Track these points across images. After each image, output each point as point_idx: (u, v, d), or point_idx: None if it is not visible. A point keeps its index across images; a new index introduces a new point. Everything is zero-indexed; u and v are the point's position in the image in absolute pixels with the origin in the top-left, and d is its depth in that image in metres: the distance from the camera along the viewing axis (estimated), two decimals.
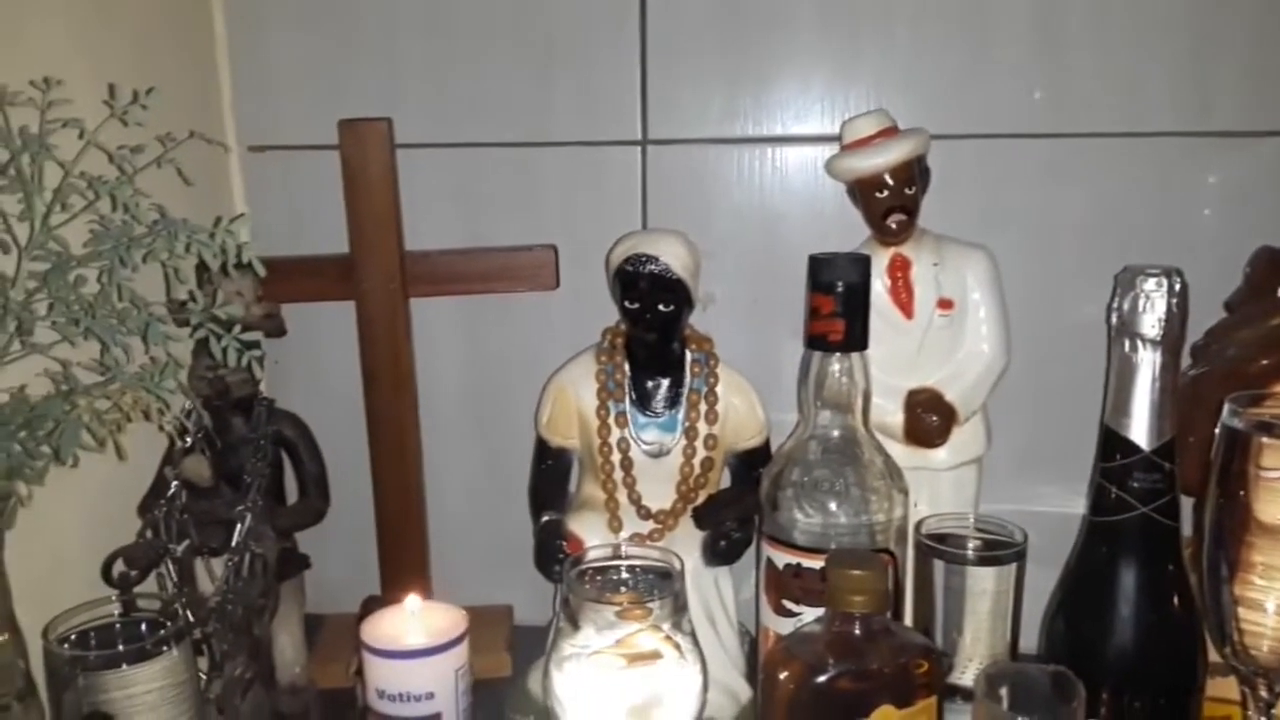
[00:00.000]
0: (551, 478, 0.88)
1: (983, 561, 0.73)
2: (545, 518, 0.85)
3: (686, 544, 0.81)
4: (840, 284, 0.71)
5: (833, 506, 0.72)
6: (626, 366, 0.84)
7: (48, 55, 0.70)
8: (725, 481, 0.87)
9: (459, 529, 1.01)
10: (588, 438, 0.85)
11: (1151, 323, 0.65)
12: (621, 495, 0.84)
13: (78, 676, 0.61)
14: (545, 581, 0.85)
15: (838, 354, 0.72)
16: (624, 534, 0.83)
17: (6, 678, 0.58)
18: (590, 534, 0.82)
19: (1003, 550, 0.74)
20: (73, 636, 0.65)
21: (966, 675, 0.73)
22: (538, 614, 0.97)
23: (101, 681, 0.62)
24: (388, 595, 0.90)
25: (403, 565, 0.93)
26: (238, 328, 0.61)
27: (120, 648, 0.64)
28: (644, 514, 0.83)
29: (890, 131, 0.83)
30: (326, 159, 0.91)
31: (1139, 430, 0.67)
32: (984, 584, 0.72)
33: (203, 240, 0.59)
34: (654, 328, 0.81)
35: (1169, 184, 0.90)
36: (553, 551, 0.82)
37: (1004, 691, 0.62)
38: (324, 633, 0.94)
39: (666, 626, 0.63)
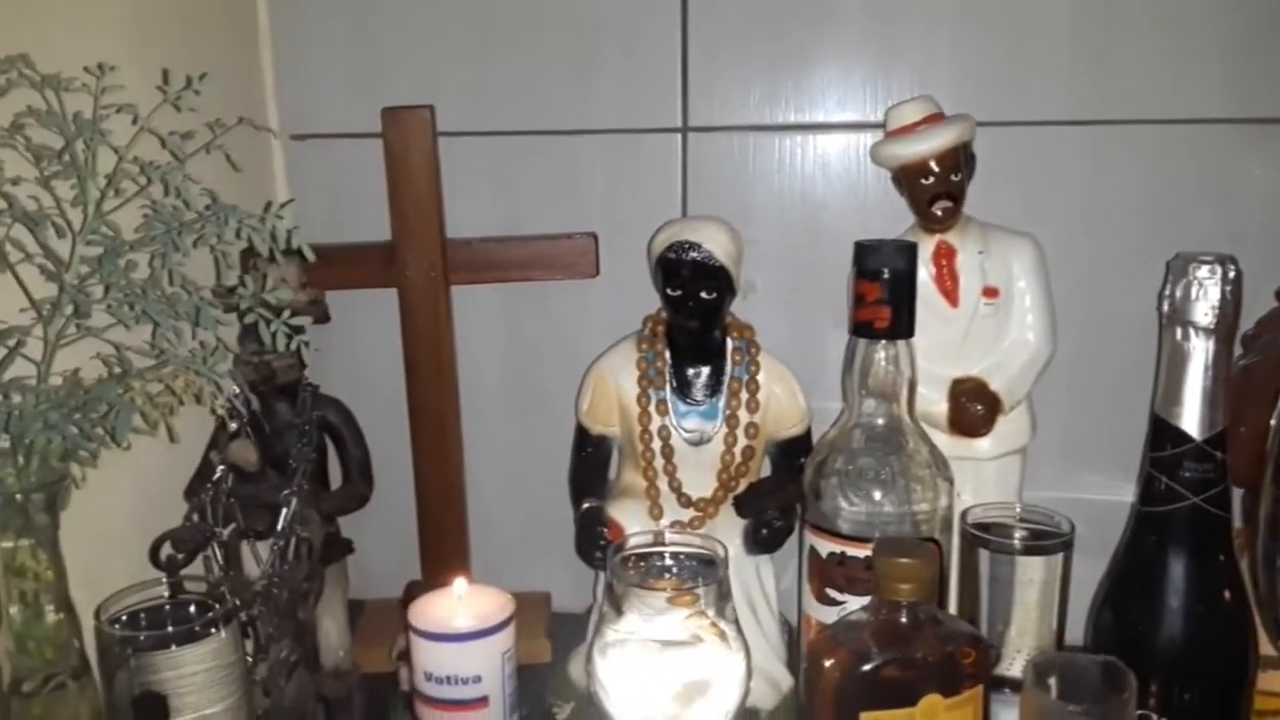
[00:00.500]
0: (592, 465, 0.88)
1: (1030, 551, 0.72)
2: (586, 505, 0.85)
3: (727, 532, 0.80)
4: (886, 271, 0.70)
5: (877, 495, 0.72)
6: (667, 354, 0.84)
7: (100, 42, 0.71)
8: (766, 470, 0.87)
9: (497, 515, 1.02)
10: (628, 425, 0.85)
11: (1205, 310, 0.64)
12: (662, 483, 0.84)
13: (129, 656, 0.62)
14: (583, 568, 0.85)
15: (883, 341, 0.71)
16: (664, 521, 0.83)
17: (63, 656, 0.59)
18: (631, 521, 0.82)
19: (1050, 540, 0.73)
20: (124, 617, 0.66)
21: (1013, 666, 0.72)
22: (575, 600, 0.97)
23: (152, 662, 0.62)
24: (429, 581, 0.90)
25: (443, 551, 0.94)
26: (287, 312, 0.61)
27: (170, 629, 0.65)
28: (685, 501, 0.83)
29: (936, 118, 0.82)
30: (368, 147, 0.92)
31: (1190, 419, 0.66)
32: (1031, 574, 0.72)
33: (253, 225, 0.60)
34: (696, 315, 0.81)
35: (1218, 171, 0.88)
36: (594, 538, 0.82)
37: (1052, 681, 0.61)
38: (365, 617, 0.95)
39: (711, 613, 0.63)
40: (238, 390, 0.58)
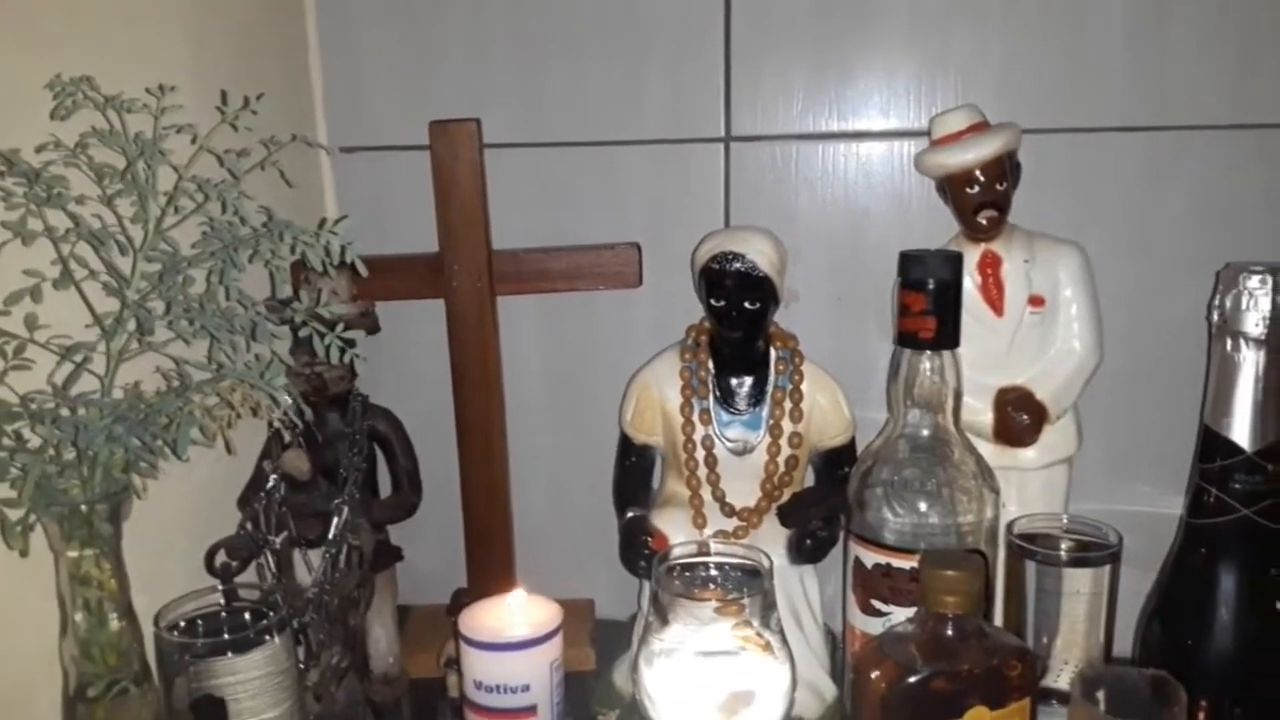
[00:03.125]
0: (635, 474, 0.89)
1: (1077, 563, 0.72)
2: (630, 514, 0.86)
3: (771, 541, 0.81)
4: (931, 281, 0.70)
5: (923, 506, 0.72)
6: (711, 364, 0.84)
7: (157, 63, 0.73)
8: (809, 479, 0.87)
9: (541, 522, 1.02)
10: (671, 435, 0.86)
11: (1255, 321, 0.64)
12: (706, 492, 0.84)
13: (188, 662, 0.64)
14: (626, 575, 0.86)
15: (928, 351, 0.72)
16: (708, 531, 0.83)
17: (125, 663, 0.60)
18: (674, 530, 0.83)
19: (1097, 551, 0.73)
20: (181, 624, 0.68)
21: (1060, 678, 0.72)
22: (619, 608, 0.98)
23: (209, 668, 0.64)
24: (474, 587, 0.92)
25: (488, 558, 0.94)
26: (340, 325, 0.62)
27: (226, 636, 0.67)
28: (728, 511, 0.84)
29: (981, 126, 0.82)
30: (414, 159, 0.93)
31: (1240, 431, 0.66)
32: (1078, 586, 0.71)
33: (308, 241, 0.61)
34: (740, 326, 0.81)
35: (1269, 179, 0.87)
36: (638, 547, 0.83)
37: (1101, 695, 0.61)
38: (412, 623, 0.96)
39: (756, 624, 0.63)
40: (293, 403, 0.59)
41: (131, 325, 0.58)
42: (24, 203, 0.57)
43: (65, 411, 0.56)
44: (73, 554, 0.58)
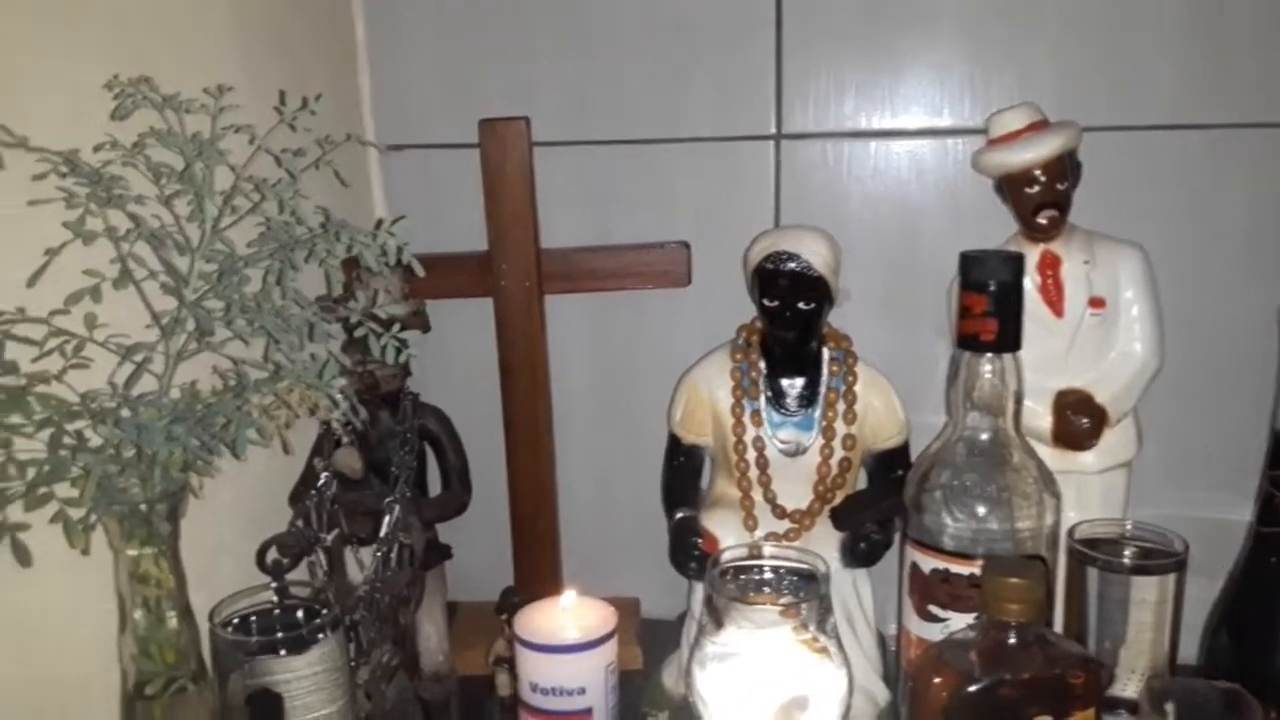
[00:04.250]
0: (684, 475, 0.88)
1: (1141, 570, 0.70)
2: (680, 514, 0.85)
3: (823, 544, 0.80)
4: (993, 282, 0.69)
5: (982, 511, 0.70)
6: (762, 364, 0.83)
7: (207, 65, 0.73)
8: (862, 481, 0.86)
9: (588, 521, 1.02)
10: (722, 436, 0.85)
11: None
12: (757, 494, 0.83)
13: (244, 660, 0.64)
14: (672, 574, 0.85)
15: (989, 354, 0.70)
16: (759, 533, 0.82)
17: (183, 660, 0.60)
18: (725, 532, 0.82)
19: (1162, 559, 0.71)
20: (235, 621, 0.68)
21: (1126, 688, 0.70)
22: (665, 607, 0.97)
23: (264, 665, 0.64)
24: (521, 586, 0.91)
25: (535, 556, 0.94)
26: (396, 325, 0.62)
27: (281, 633, 0.67)
28: (779, 513, 0.83)
29: (1041, 125, 0.80)
30: (462, 158, 0.93)
31: None
32: (1142, 594, 0.70)
33: (364, 241, 0.61)
34: (793, 326, 0.80)
35: None
36: (688, 548, 0.82)
37: (1170, 706, 0.60)
38: (459, 620, 0.96)
39: (812, 628, 0.63)
40: (350, 403, 0.59)
41: (190, 325, 0.58)
42: (84, 203, 0.57)
43: (125, 412, 0.56)
44: (132, 552, 0.59)
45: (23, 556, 0.52)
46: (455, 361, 0.99)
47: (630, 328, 0.99)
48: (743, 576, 0.68)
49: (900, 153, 0.92)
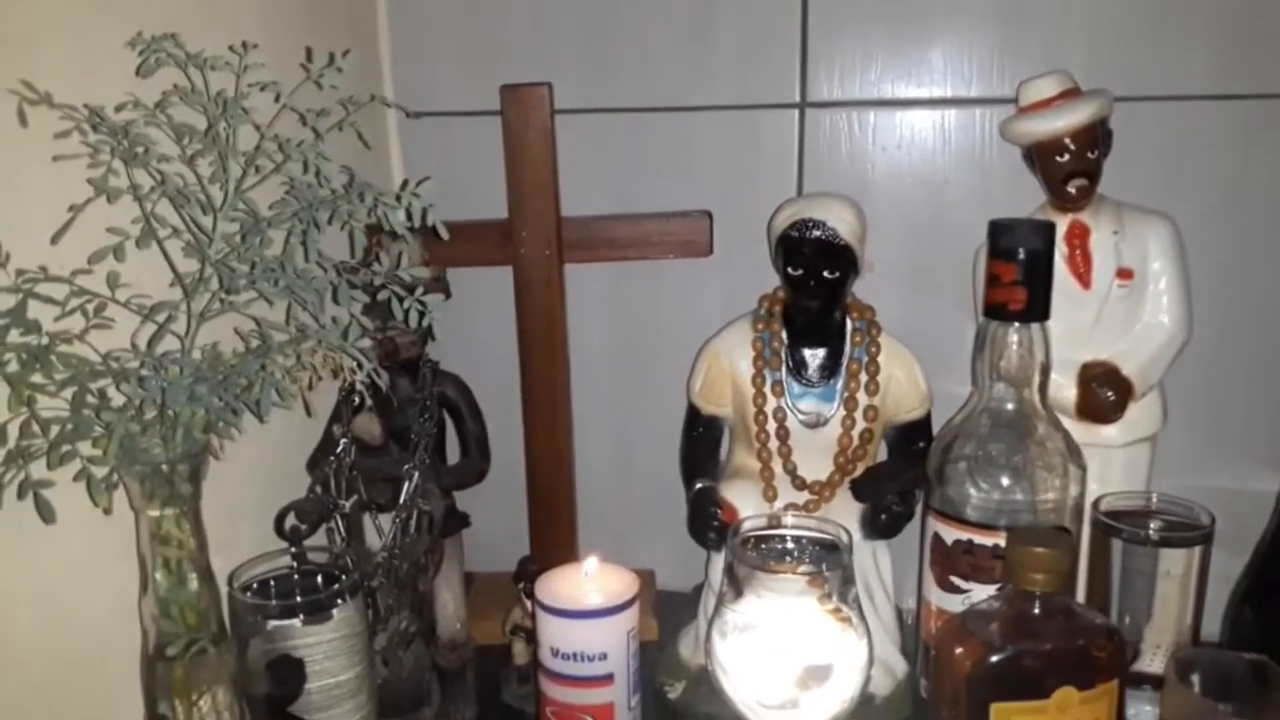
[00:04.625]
0: (703, 445, 0.88)
1: (1167, 543, 0.70)
2: (699, 485, 0.84)
3: (843, 516, 0.79)
4: (1022, 251, 0.68)
5: (1007, 482, 0.70)
6: (784, 334, 0.82)
7: (234, 22, 0.72)
8: (882, 453, 0.85)
9: (603, 492, 1.02)
10: (742, 406, 0.84)
11: None
12: (777, 465, 0.83)
13: (264, 624, 0.64)
14: (687, 546, 0.85)
15: (1017, 324, 0.69)
16: (779, 504, 0.82)
17: (203, 622, 0.60)
18: (744, 503, 0.82)
19: (1188, 531, 0.70)
20: (254, 585, 0.68)
21: (1152, 661, 0.70)
22: (679, 579, 0.97)
23: (283, 630, 0.64)
24: (537, 556, 0.91)
25: (552, 526, 0.94)
26: (420, 289, 0.62)
27: (300, 598, 0.67)
28: (799, 484, 0.82)
29: (1072, 93, 0.79)
30: (482, 124, 0.92)
31: None
32: (1167, 566, 0.69)
33: (389, 203, 0.60)
34: (818, 295, 0.79)
35: None
36: (708, 519, 0.81)
37: (1195, 678, 0.59)
38: (475, 590, 0.96)
39: (834, 598, 0.62)
40: (373, 364, 0.59)
41: (214, 284, 0.58)
42: (107, 159, 0.56)
43: (147, 371, 0.55)
44: (154, 513, 0.58)
45: (47, 513, 0.51)
46: (474, 330, 0.99)
47: (650, 297, 0.98)
48: (763, 546, 0.68)
49: (926, 122, 0.90)
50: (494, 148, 0.89)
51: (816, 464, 0.82)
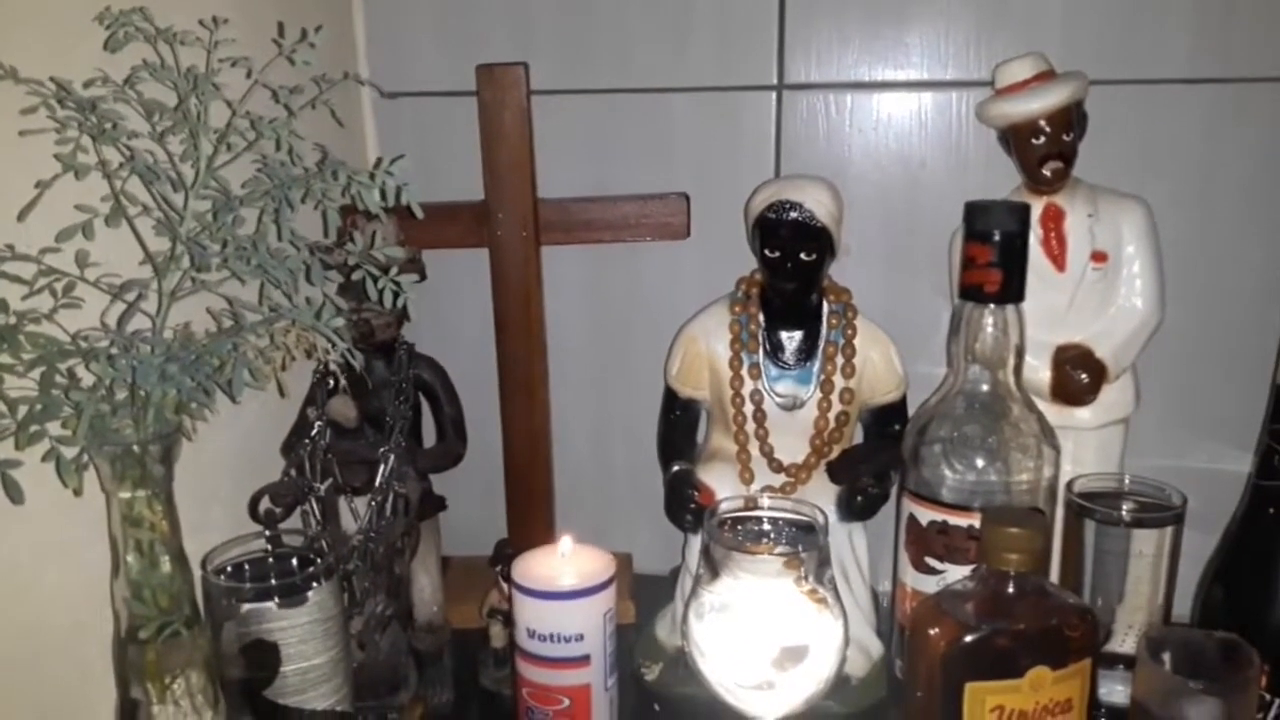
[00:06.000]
0: (680, 428, 0.88)
1: (1139, 523, 0.70)
2: (676, 468, 0.84)
3: (819, 498, 0.79)
4: (998, 232, 0.68)
5: (981, 463, 0.70)
6: (761, 317, 0.82)
7: None
8: (858, 437, 0.86)
9: (580, 475, 1.02)
10: (719, 389, 0.84)
11: None
12: (753, 447, 0.83)
13: (239, 607, 0.63)
14: (664, 530, 0.85)
15: (992, 305, 0.70)
16: (755, 486, 0.82)
17: (176, 605, 0.60)
18: (721, 485, 0.82)
19: (1160, 512, 0.71)
20: (228, 569, 0.67)
21: (1125, 644, 0.71)
22: (656, 563, 0.97)
23: (258, 613, 0.64)
24: (514, 540, 0.91)
25: (528, 509, 0.94)
26: (395, 269, 0.61)
27: (274, 582, 0.66)
28: (775, 467, 0.82)
29: (1047, 75, 0.79)
30: (457, 105, 0.91)
31: None
32: (1139, 547, 0.70)
33: (363, 182, 0.59)
34: (794, 277, 0.79)
35: None
36: (684, 501, 0.81)
37: (1166, 656, 0.60)
38: (451, 574, 0.96)
39: (810, 580, 0.62)
40: (347, 344, 0.58)
41: (185, 263, 0.57)
42: (76, 135, 0.55)
43: (117, 350, 0.55)
44: (125, 495, 0.58)
45: (15, 493, 0.51)
46: (449, 313, 0.98)
47: (627, 280, 0.98)
48: (740, 528, 0.68)
49: (903, 104, 0.90)
50: (469, 129, 0.88)
51: (793, 446, 0.82)
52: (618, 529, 1.00)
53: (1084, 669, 0.61)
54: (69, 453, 0.54)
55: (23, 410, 0.53)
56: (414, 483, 0.78)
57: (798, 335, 0.82)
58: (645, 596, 0.93)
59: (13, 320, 0.54)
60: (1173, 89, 0.85)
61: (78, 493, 0.54)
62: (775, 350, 0.83)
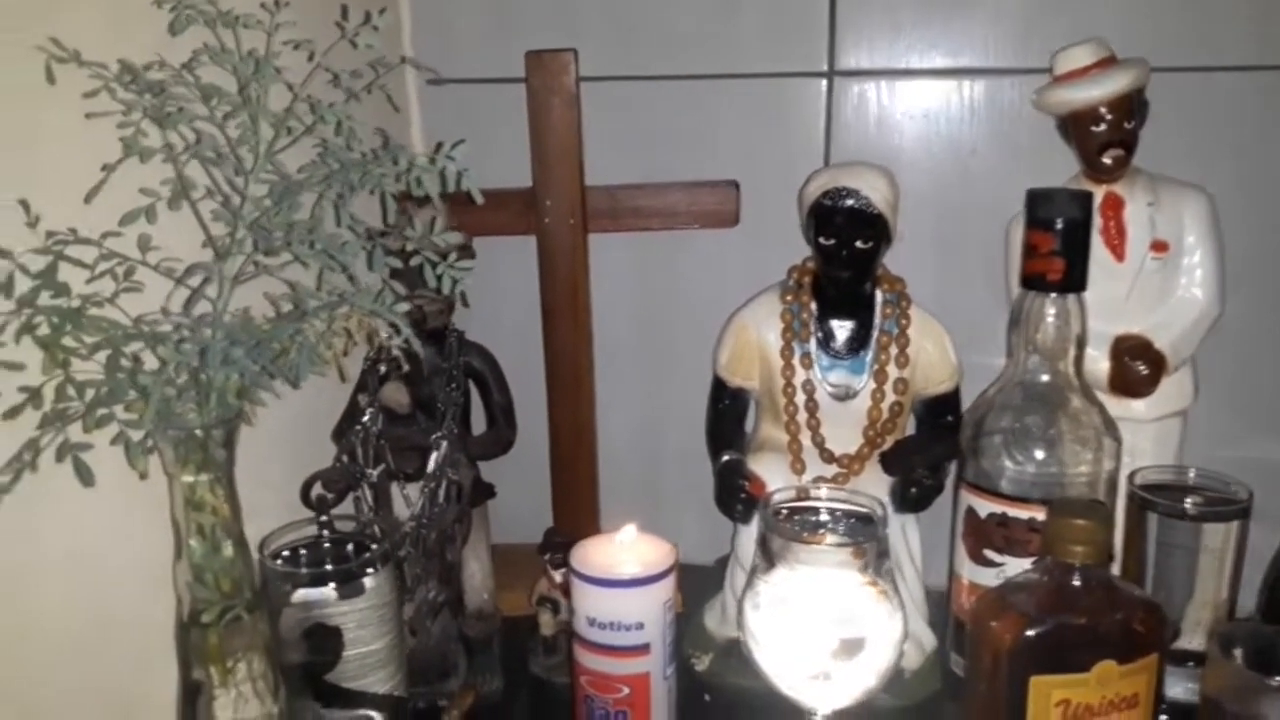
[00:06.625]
0: (729, 418, 0.87)
1: (1206, 517, 0.69)
2: (726, 457, 0.84)
3: (873, 489, 0.78)
4: (1060, 220, 0.67)
5: (1042, 455, 0.69)
6: (814, 306, 0.82)
7: None
8: (909, 427, 0.85)
9: (625, 464, 1.01)
10: (769, 379, 0.83)
11: None
12: (805, 438, 0.82)
13: (294, 592, 0.63)
14: (710, 519, 0.84)
15: (1053, 295, 0.69)
16: (806, 477, 0.81)
17: (238, 590, 0.60)
18: (772, 476, 0.81)
19: (1226, 506, 0.70)
20: (285, 553, 0.67)
21: (1194, 641, 0.69)
22: (701, 552, 0.97)
23: (316, 598, 0.64)
24: (560, 528, 0.91)
25: (574, 497, 0.94)
26: (454, 255, 0.61)
27: (330, 567, 0.66)
28: (827, 457, 0.82)
29: (1108, 62, 0.78)
30: (502, 92, 0.91)
31: None
32: (1206, 541, 0.69)
33: (425, 167, 0.59)
34: (849, 265, 0.78)
35: None
36: (735, 491, 0.81)
37: (1238, 652, 0.59)
38: (496, 561, 0.96)
39: (870, 571, 0.62)
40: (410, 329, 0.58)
41: (248, 246, 0.57)
42: (137, 120, 0.55)
43: (185, 333, 0.54)
44: (188, 479, 0.58)
45: (86, 476, 0.51)
46: (496, 301, 0.98)
47: (674, 268, 0.97)
48: (796, 518, 0.67)
49: (954, 92, 0.89)
50: (514, 116, 0.88)
51: (845, 437, 0.81)
52: (662, 517, 0.99)
53: (1151, 664, 0.60)
54: (136, 435, 0.54)
55: (90, 394, 0.52)
56: (466, 469, 0.78)
57: (850, 324, 0.82)
58: (690, 586, 0.93)
59: (76, 303, 0.54)
60: (1234, 76, 0.84)
61: (144, 476, 0.54)
62: (827, 339, 0.82)
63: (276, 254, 0.56)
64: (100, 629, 0.61)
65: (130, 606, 0.63)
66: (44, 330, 0.53)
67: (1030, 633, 0.60)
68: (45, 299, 0.53)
